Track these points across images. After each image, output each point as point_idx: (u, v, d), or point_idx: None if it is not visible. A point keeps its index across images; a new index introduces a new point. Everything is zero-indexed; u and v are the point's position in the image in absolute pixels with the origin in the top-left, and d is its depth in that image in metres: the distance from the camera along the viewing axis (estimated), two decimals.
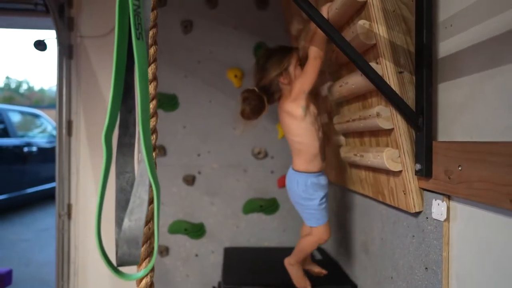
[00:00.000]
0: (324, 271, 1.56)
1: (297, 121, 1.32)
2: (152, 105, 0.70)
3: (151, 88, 0.72)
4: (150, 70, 0.71)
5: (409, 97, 1.02)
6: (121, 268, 0.56)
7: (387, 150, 1.07)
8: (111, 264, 0.53)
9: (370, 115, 1.11)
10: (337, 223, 1.82)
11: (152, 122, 0.71)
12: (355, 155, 1.32)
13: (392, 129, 1.07)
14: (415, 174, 1.01)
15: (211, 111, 2.17)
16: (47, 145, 5.64)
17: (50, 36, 2.30)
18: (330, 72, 1.47)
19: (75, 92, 2.17)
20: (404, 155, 1.02)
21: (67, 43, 2.14)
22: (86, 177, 2.18)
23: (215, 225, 2.17)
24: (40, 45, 2.28)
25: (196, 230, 2.15)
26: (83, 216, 2.17)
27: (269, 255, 2.04)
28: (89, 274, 2.17)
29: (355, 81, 1.17)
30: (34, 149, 5.32)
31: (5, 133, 4.99)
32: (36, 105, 13.28)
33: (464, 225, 0.88)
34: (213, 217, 2.18)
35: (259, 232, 2.19)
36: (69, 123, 2.18)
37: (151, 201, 0.66)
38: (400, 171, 1.06)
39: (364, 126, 1.19)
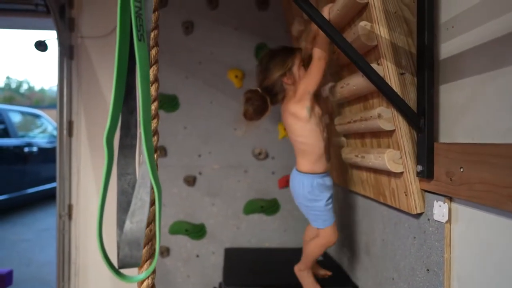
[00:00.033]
0: (328, 273, 1.55)
1: (302, 122, 1.31)
2: (153, 106, 0.70)
3: (153, 89, 0.72)
4: (152, 71, 0.71)
5: (411, 99, 1.01)
6: (122, 270, 0.56)
7: (388, 152, 1.07)
8: (112, 266, 0.53)
9: (371, 116, 1.11)
10: (338, 224, 1.81)
11: (153, 124, 0.71)
12: (356, 156, 1.32)
13: (393, 131, 1.06)
14: (417, 176, 1.01)
15: (212, 112, 2.17)
16: (48, 145, 5.64)
17: (51, 36, 2.30)
18: (331, 73, 1.47)
19: (75, 93, 2.17)
20: (406, 157, 1.02)
21: (68, 44, 2.14)
22: (86, 178, 2.18)
23: (216, 226, 2.17)
24: (41, 46, 2.28)
25: (197, 231, 2.15)
26: (84, 217, 2.17)
27: (270, 255, 2.03)
28: (89, 274, 2.17)
29: (356, 82, 1.17)
30: (35, 149, 5.32)
31: (5, 133, 5.00)
32: (37, 105, 13.29)
33: (465, 227, 0.88)
34: (214, 218, 2.18)
35: (260, 233, 2.19)
36: (70, 124, 2.18)
37: (152, 203, 0.66)
38: (402, 173, 1.06)
39: (365, 127, 1.19)
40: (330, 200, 1.36)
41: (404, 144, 1.02)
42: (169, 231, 2.14)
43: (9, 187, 4.81)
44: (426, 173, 0.96)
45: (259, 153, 2.17)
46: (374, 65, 1.02)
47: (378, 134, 1.20)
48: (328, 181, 1.37)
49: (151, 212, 0.66)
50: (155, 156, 0.66)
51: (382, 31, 1.01)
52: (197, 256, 2.16)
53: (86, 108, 2.18)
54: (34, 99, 17.35)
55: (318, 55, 1.23)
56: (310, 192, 1.34)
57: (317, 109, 1.33)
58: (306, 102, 1.28)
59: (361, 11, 1.08)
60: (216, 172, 2.18)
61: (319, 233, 1.38)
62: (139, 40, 0.58)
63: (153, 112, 0.69)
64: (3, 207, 4.81)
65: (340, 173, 1.66)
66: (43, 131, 6.03)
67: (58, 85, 2.16)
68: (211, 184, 2.17)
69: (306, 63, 1.34)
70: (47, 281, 2.92)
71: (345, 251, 1.75)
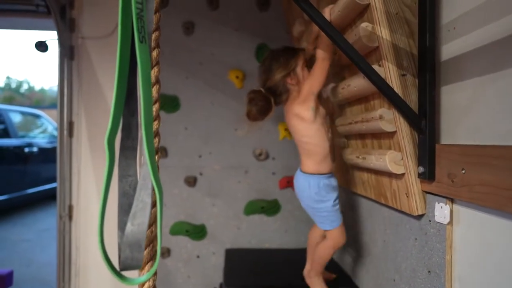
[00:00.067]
0: (333, 275, 1.54)
1: (306, 123, 1.29)
2: (154, 108, 0.70)
3: (154, 91, 0.72)
4: (153, 73, 0.71)
5: (412, 100, 1.01)
6: (123, 272, 0.56)
7: (389, 153, 1.07)
8: (114, 268, 0.53)
9: (372, 118, 1.10)
10: None
11: (154, 125, 0.71)
12: (358, 157, 1.32)
13: (394, 132, 1.06)
14: (418, 177, 1.01)
15: (213, 113, 2.17)
16: (48, 146, 5.64)
17: (51, 37, 2.30)
18: (333, 73, 1.47)
19: (76, 93, 2.17)
20: (407, 158, 1.02)
21: (68, 44, 2.14)
22: (87, 178, 2.18)
23: (216, 227, 2.17)
24: (42, 46, 2.28)
25: (198, 232, 2.15)
26: (84, 217, 2.17)
27: (271, 256, 2.03)
28: (90, 275, 2.17)
29: (357, 83, 1.16)
30: (35, 149, 5.32)
31: (5, 134, 5.00)
32: (37, 105, 13.30)
33: (467, 229, 0.88)
34: (215, 219, 2.17)
35: (261, 234, 2.19)
36: (70, 124, 2.18)
37: (153, 205, 0.66)
38: (403, 174, 1.06)
39: (367, 128, 1.18)
40: (337, 201, 1.34)
41: (406, 145, 1.02)
42: (170, 231, 2.14)
43: (9, 188, 4.81)
44: (428, 175, 0.95)
45: (260, 154, 2.17)
46: (375, 67, 1.02)
47: (379, 135, 1.20)
48: (333, 181, 1.36)
49: (152, 213, 0.65)
50: (156, 157, 0.66)
51: (384, 33, 1.00)
52: (198, 256, 2.16)
53: (87, 109, 2.18)
54: (34, 99, 17.36)
55: (322, 55, 1.23)
56: (317, 193, 1.31)
57: (321, 110, 1.32)
58: (310, 103, 1.27)
59: (362, 12, 1.08)
60: (216, 172, 2.17)
61: (327, 235, 1.36)
62: (140, 42, 0.58)
63: (154, 113, 0.69)
64: (4, 207, 4.81)
65: (341, 174, 1.66)
66: (43, 131, 6.03)
67: (59, 85, 2.16)
68: (212, 185, 2.17)
69: (308, 63, 1.34)
70: (48, 282, 2.92)
71: (346, 252, 1.75)
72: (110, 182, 0.53)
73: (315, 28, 1.32)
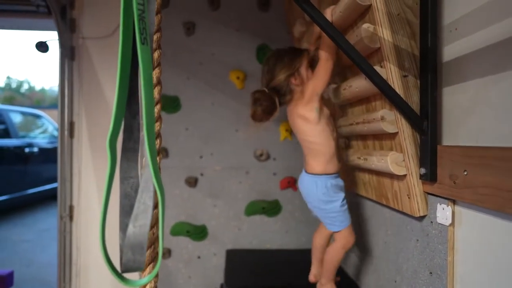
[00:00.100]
0: (338, 278, 1.52)
1: (311, 124, 1.28)
2: (156, 109, 0.70)
3: (155, 92, 0.72)
4: (154, 74, 0.71)
5: (414, 101, 1.01)
6: (124, 273, 0.56)
7: (391, 154, 1.07)
8: (115, 270, 0.53)
9: (374, 119, 1.10)
10: None
11: (156, 127, 0.71)
12: (359, 158, 1.32)
13: (396, 133, 1.06)
14: (420, 178, 1.01)
15: (213, 113, 2.17)
16: (48, 146, 5.64)
17: (52, 37, 2.30)
18: (334, 74, 1.46)
19: (77, 94, 2.17)
20: (409, 159, 1.02)
21: (69, 45, 2.14)
22: (88, 179, 2.18)
23: (217, 227, 2.17)
24: (42, 47, 2.28)
25: (198, 232, 2.15)
26: (85, 218, 2.17)
27: (271, 257, 2.03)
28: (91, 275, 2.17)
29: (359, 84, 1.16)
30: (35, 149, 5.32)
31: (6, 134, 4.99)
32: (37, 105, 13.31)
33: (469, 230, 0.87)
34: (215, 219, 2.17)
35: (261, 234, 2.19)
36: (71, 125, 2.17)
37: (155, 206, 0.66)
38: (405, 175, 1.06)
39: (368, 129, 1.18)
40: (344, 201, 1.32)
41: (407, 146, 1.02)
42: (171, 232, 2.14)
43: (9, 188, 4.81)
44: (430, 176, 0.95)
45: (261, 154, 2.17)
46: (377, 68, 1.02)
47: (381, 136, 1.20)
48: (340, 181, 1.34)
49: (154, 215, 0.65)
50: (157, 159, 0.66)
51: (385, 33, 1.00)
52: (199, 257, 2.16)
53: (87, 109, 2.18)
54: (35, 99, 17.38)
55: (326, 56, 1.22)
56: (325, 194, 1.29)
57: (325, 110, 1.31)
58: (314, 104, 1.26)
59: (364, 13, 1.08)
60: (217, 173, 2.17)
61: (335, 236, 1.33)
62: (142, 43, 0.58)
63: (155, 115, 0.69)
64: (4, 207, 4.81)
65: (342, 175, 1.65)
66: (44, 131, 6.03)
67: (59, 86, 2.16)
68: (213, 186, 2.17)
69: (311, 64, 1.33)
70: (48, 282, 2.92)
71: (347, 253, 1.74)
72: (111, 184, 0.53)
73: (316, 28, 1.32)
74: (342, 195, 1.32)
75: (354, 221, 1.62)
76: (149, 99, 0.59)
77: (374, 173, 1.30)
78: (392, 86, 0.99)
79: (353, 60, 0.95)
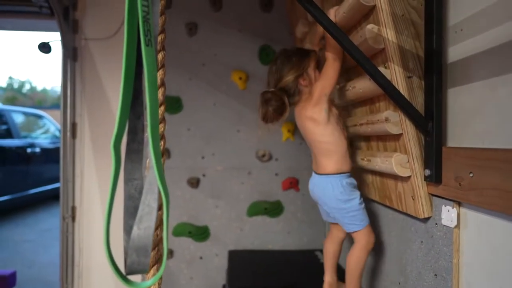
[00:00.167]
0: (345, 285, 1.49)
1: (321, 125, 1.25)
2: (160, 111, 0.70)
3: (159, 93, 0.72)
4: (158, 76, 0.71)
5: (418, 102, 1.01)
6: (129, 275, 0.56)
7: (395, 156, 1.06)
8: (120, 272, 0.53)
9: (378, 120, 1.10)
10: None
11: (160, 128, 0.70)
12: (362, 159, 1.31)
13: (400, 134, 1.06)
14: (424, 180, 1.00)
15: (216, 114, 2.16)
16: (50, 146, 5.65)
17: (54, 38, 2.30)
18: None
19: (79, 95, 2.17)
20: (413, 161, 1.01)
21: (71, 46, 2.14)
22: (90, 179, 2.18)
23: (219, 228, 2.17)
24: (45, 48, 2.28)
25: (201, 233, 2.15)
26: (87, 219, 2.17)
27: (274, 258, 2.03)
28: (93, 276, 2.17)
29: (363, 85, 1.16)
30: (37, 150, 5.33)
31: (8, 134, 5.00)
32: (39, 106, 13.34)
33: (475, 232, 0.87)
34: (218, 220, 2.17)
35: (264, 235, 2.18)
36: (74, 126, 2.17)
37: (159, 208, 0.66)
38: (409, 177, 1.05)
39: (372, 130, 1.18)
40: (362, 199, 1.28)
41: (412, 148, 1.01)
42: (173, 233, 2.14)
43: (11, 188, 4.82)
44: (434, 178, 0.95)
45: (263, 155, 2.17)
46: (381, 68, 1.01)
47: (384, 138, 1.19)
48: (354, 180, 1.31)
49: (157, 217, 0.65)
50: (162, 160, 0.65)
51: (390, 34, 1.00)
52: (201, 258, 2.16)
53: (90, 110, 2.18)
54: (36, 99, 17.42)
55: (333, 56, 1.20)
56: (342, 193, 1.25)
57: (334, 110, 1.29)
58: (323, 105, 1.24)
59: (368, 14, 1.07)
60: (219, 174, 2.17)
61: (355, 237, 1.28)
62: (146, 45, 0.57)
63: (159, 116, 0.69)
64: (6, 207, 4.82)
65: None
66: (46, 131, 6.04)
67: (62, 87, 2.16)
68: (215, 186, 2.17)
69: (318, 65, 1.32)
70: (50, 282, 2.92)
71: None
72: (116, 187, 0.53)
73: (320, 29, 1.31)
74: (358, 193, 1.28)
75: None
76: (154, 101, 0.58)
77: (377, 174, 1.29)
78: (397, 87, 0.99)
79: (357, 61, 0.95)
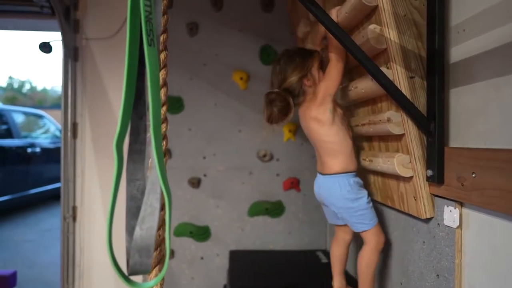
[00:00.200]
0: None
1: (326, 125, 1.25)
2: (162, 111, 0.70)
3: (161, 93, 0.72)
4: (160, 75, 0.71)
5: (420, 102, 1.00)
6: (131, 276, 0.56)
7: (398, 156, 1.06)
8: (122, 273, 0.53)
9: (380, 120, 1.10)
10: None
11: (162, 128, 0.70)
12: (364, 159, 1.31)
13: (402, 135, 1.05)
14: (427, 180, 1.00)
15: (217, 114, 2.16)
16: (51, 146, 5.65)
17: (55, 38, 2.30)
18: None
19: (80, 94, 2.17)
20: (415, 161, 1.01)
21: (72, 45, 2.14)
22: (91, 180, 2.18)
23: (220, 228, 2.17)
24: (46, 47, 2.28)
25: (202, 233, 2.14)
26: (88, 219, 2.17)
27: (275, 258, 2.03)
28: (94, 277, 2.17)
29: (365, 85, 1.16)
30: (38, 149, 5.33)
31: (8, 134, 5.00)
32: (39, 105, 13.34)
33: (477, 233, 0.87)
34: (219, 220, 2.17)
35: (265, 235, 2.18)
36: (74, 125, 2.17)
37: (162, 208, 0.65)
38: (411, 177, 1.05)
39: (374, 131, 1.17)
40: (369, 197, 1.27)
41: (414, 148, 1.01)
42: (174, 233, 2.14)
43: (12, 188, 4.82)
44: (437, 178, 0.95)
45: (264, 155, 2.16)
46: (383, 69, 1.01)
47: (386, 138, 1.19)
48: (359, 179, 1.29)
49: (160, 217, 0.65)
50: (164, 160, 0.65)
51: (392, 34, 1.00)
52: (202, 258, 2.16)
53: (91, 110, 2.18)
54: (37, 99, 17.43)
55: (336, 56, 1.20)
56: (350, 191, 1.23)
57: (338, 109, 1.28)
58: (328, 105, 1.23)
59: (370, 14, 1.07)
60: (220, 174, 2.17)
61: (365, 238, 1.26)
62: (149, 45, 0.57)
63: (162, 116, 0.68)
64: (6, 207, 4.82)
65: None
66: (46, 131, 6.04)
67: (63, 86, 2.16)
68: (216, 186, 2.17)
69: (321, 65, 1.32)
70: (51, 282, 2.92)
71: (351, 254, 1.74)
72: (118, 187, 0.53)
73: (321, 29, 1.31)
74: (366, 191, 1.27)
75: None
76: (156, 101, 0.58)
77: (379, 175, 1.29)
78: (399, 87, 0.98)
79: (360, 61, 0.95)
